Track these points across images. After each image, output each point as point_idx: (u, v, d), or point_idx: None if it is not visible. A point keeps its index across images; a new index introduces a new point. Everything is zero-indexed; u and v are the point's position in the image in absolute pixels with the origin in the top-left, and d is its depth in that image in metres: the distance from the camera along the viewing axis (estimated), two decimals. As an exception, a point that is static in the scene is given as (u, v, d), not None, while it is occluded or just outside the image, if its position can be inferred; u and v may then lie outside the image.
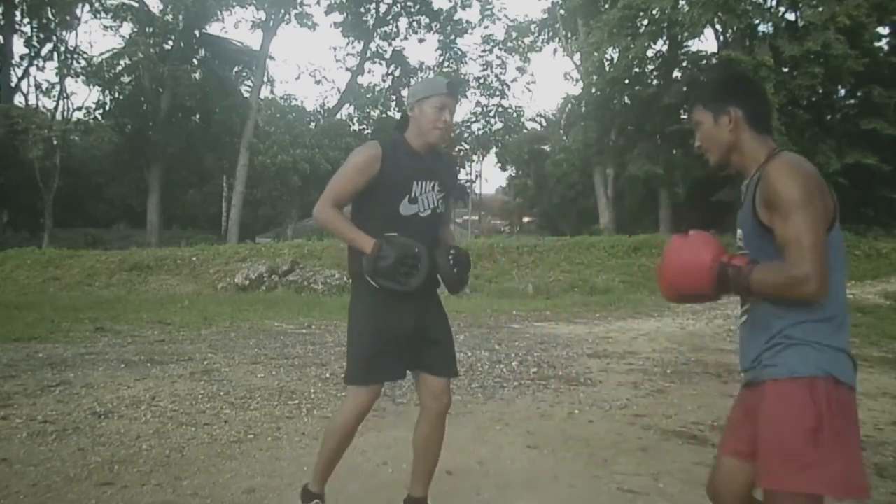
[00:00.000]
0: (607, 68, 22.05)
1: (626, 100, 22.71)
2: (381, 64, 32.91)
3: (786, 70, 18.76)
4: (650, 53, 21.97)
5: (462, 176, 30.58)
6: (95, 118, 27.51)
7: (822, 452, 1.55)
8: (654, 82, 22.35)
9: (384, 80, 32.71)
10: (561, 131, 36.08)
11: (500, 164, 38.68)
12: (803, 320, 1.63)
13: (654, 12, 19.66)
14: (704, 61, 21.86)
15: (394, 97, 32.40)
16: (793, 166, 1.64)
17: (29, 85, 34.46)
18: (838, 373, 1.61)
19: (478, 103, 32.13)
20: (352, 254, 2.45)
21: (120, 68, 26.79)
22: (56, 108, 26.98)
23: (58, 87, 26.99)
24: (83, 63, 26.58)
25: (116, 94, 27.46)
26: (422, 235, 2.39)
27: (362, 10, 30.80)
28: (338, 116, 31.57)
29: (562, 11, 26.65)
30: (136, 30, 26.27)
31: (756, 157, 1.74)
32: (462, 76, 32.00)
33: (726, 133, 1.77)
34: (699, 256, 1.73)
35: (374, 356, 2.45)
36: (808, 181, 1.61)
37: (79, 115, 27.60)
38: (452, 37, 32.34)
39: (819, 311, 1.63)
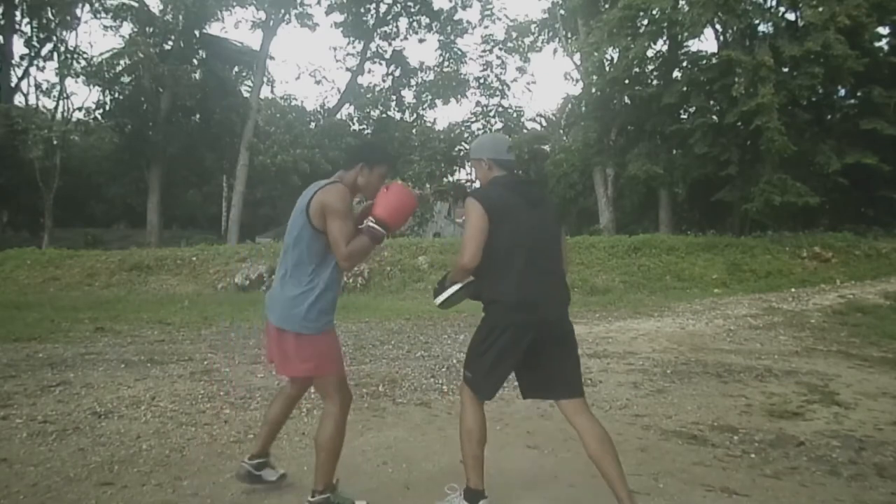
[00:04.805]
0: (607, 68, 22.01)
1: (626, 100, 22.64)
2: (381, 64, 32.97)
3: (786, 70, 18.68)
4: (650, 53, 21.90)
5: (463, 176, 30.64)
6: (95, 118, 27.44)
7: None
8: (654, 82, 22.28)
9: (384, 80, 32.78)
10: (561, 131, 36.05)
11: (499, 164, 38.51)
12: None
13: (654, 12, 19.62)
14: (703, 61, 21.81)
15: (394, 97, 32.40)
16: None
17: (29, 85, 34.79)
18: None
19: (478, 103, 32.11)
20: None
21: (120, 68, 26.72)
22: (56, 108, 26.95)
23: (58, 87, 26.98)
24: (83, 63, 26.54)
25: (116, 94, 27.41)
26: None
27: (362, 10, 30.80)
28: (338, 116, 31.59)
29: (562, 11, 26.60)
30: (136, 30, 26.23)
31: None
32: (462, 76, 32.01)
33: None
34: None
35: None
36: None
37: (79, 115, 27.59)
38: (452, 37, 32.35)
39: None
